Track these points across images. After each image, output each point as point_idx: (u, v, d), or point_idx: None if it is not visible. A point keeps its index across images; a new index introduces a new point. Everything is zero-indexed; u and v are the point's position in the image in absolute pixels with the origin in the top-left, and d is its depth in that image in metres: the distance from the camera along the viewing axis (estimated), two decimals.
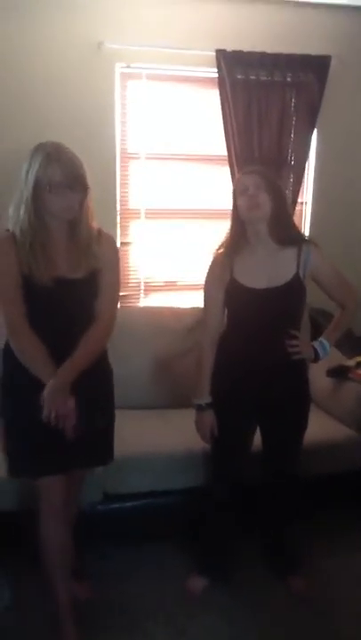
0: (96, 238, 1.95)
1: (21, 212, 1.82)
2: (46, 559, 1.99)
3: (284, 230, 2.09)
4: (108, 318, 2.02)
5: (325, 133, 3.44)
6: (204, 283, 2.23)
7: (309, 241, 2.15)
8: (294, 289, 2.09)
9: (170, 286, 3.51)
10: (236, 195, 2.10)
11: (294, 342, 2.11)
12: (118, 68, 3.12)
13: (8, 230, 1.87)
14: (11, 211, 1.86)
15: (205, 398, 2.20)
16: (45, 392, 1.84)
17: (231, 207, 2.14)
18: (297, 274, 2.08)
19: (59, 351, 1.88)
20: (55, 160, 1.79)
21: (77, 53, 3.02)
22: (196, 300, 3.37)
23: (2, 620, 2.16)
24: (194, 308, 3.26)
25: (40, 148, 1.83)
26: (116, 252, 2.06)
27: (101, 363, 2.03)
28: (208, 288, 2.21)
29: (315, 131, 3.37)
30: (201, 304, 3.23)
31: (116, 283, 2.04)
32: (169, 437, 2.62)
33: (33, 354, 1.87)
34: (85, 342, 1.93)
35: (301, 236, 2.16)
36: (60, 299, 1.88)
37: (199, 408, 2.22)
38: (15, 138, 2.73)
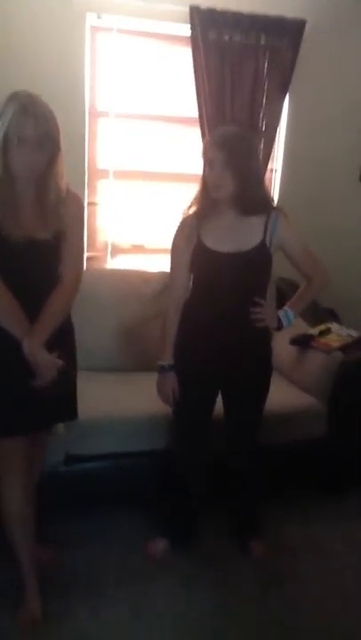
0: (63, 199, 1.89)
1: None
2: (8, 519, 1.99)
3: (248, 203, 2.06)
4: (73, 279, 1.99)
5: (297, 99, 3.41)
6: (171, 245, 2.21)
7: (278, 209, 2.13)
8: (259, 255, 2.09)
9: (137, 249, 3.48)
10: (204, 162, 2.06)
11: (258, 309, 2.11)
12: (88, 19, 3.01)
13: None
14: None
15: (168, 360, 2.21)
16: (27, 350, 1.82)
17: (202, 170, 2.10)
18: (263, 241, 2.07)
19: (26, 308, 1.84)
20: (31, 113, 1.72)
21: (46, 1, 2.89)
22: (163, 264, 3.36)
23: None
24: (161, 272, 3.24)
25: (14, 97, 1.74)
26: (82, 212, 2.01)
27: (63, 322, 1.99)
28: (175, 250, 2.19)
29: (287, 96, 3.34)
30: (167, 268, 3.27)
31: (80, 243, 2.02)
32: (133, 400, 2.63)
33: (8, 308, 1.82)
34: (52, 302, 1.91)
35: (270, 203, 2.13)
36: (29, 259, 1.83)
37: (162, 369, 2.23)
38: None
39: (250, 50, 3.19)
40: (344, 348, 2.82)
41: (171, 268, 2.23)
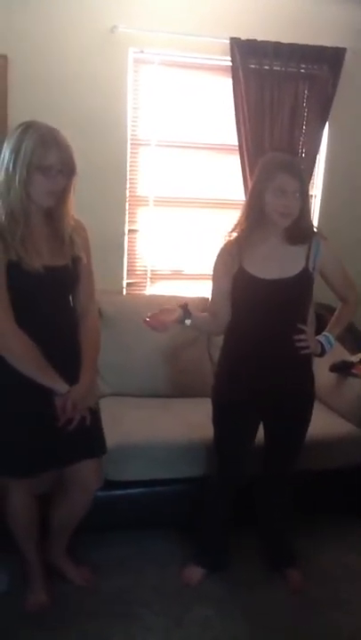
0: (73, 226, 1.95)
1: (11, 194, 1.77)
2: (14, 523, 2.06)
3: (299, 231, 2.06)
4: (95, 308, 2.08)
5: (337, 127, 3.41)
6: (212, 271, 2.20)
7: (319, 234, 2.12)
8: (302, 282, 2.08)
9: (176, 275, 3.51)
10: (267, 188, 1.99)
11: (302, 337, 2.09)
12: (131, 54, 3.10)
13: None
14: None
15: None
16: (74, 398, 1.88)
17: (253, 195, 2.05)
18: (306, 267, 2.07)
19: (44, 342, 1.86)
20: (52, 142, 1.76)
21: (91, 37, 3.00)
22: (202, 289, 3.38)
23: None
24: (200, 297, 3.26)
25: (30, 127, 1.77)
26: (87, 239, 2.03)
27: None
28: (216, 275, 2.18)
29: (326, 124, 3.35)
30: (207, 294, 3.28)
31: (91, 270, 2.04)
32: (171, 426, 2.63)
33: (25, 355, 1.82)
34: (91, 338, 2.00)
35: (312, 230, 2.12)
36: (48, 286, 1.87)
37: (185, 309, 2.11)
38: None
39: (290, 78, 3.22)
40: None
41: (212, 293, 2.22)
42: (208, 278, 3.44)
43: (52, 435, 1.91)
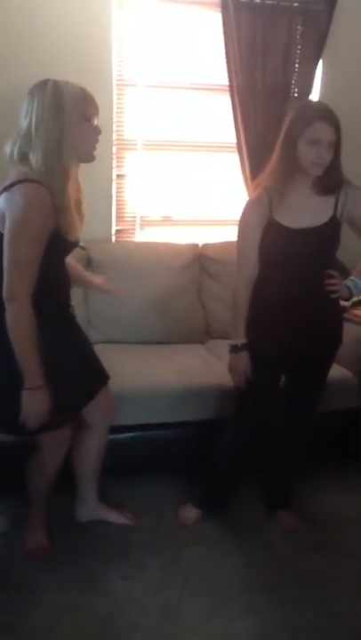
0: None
1: (62, 156, 1.71)
2: (51, 469, 2.12)
3: (330, 182, 2.02)
4: None
5: (331, 64, 3.30)
6: (240, 223, 2.14)
7: (348, 182, 2.07)
8: (331, 229, 2.06)
9: (166, 221, 3.45)
10: (302, 136, 1.93)
11: (333, 281, 2.09)
12: None
13: (33, 181, 1.69)
14: (38, 158, 1.71)
15: (242, 339, 2.17)
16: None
17: (285, 143, 1.99)
18: (334, 215, 2.05)
19: (66, 304, 2.00)
20: (86, 91, 1.76)
21: None
22: (192, 235, 3.34)
23: None
24: (190, 244, 3.23)
25: (57, 82, 1.73)
26: None
27: None
28: (247, 228, 2.12)
29: (320, 61, 3.24)
30: (198, 240, 3.24)
31: None
32: (164, 372, 2.64)
33: (26, 332, 1.76)
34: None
35: (342, 179, 2.07)
36: (70, 252, 1.95)
37: (234, 349, 2.18)
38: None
39: (282, 12, 3.09)
40: None
41: (240, 246, 2.16)
42: (198, 224, 3.45)
43: (74, 377, 1.97)
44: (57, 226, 1.75)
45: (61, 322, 1.96)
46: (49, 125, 1.70)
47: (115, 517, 2.36)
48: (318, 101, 2.09)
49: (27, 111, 1.73)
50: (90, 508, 2.34)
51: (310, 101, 2.07)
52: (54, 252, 1.80)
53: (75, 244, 1.91)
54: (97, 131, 1.82)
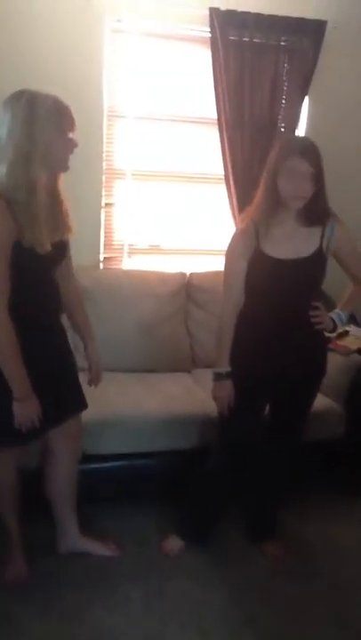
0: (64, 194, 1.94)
1: (31, 168, 1.70)
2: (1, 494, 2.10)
3: (314, 214, 2.06)
4: (76, 280, 2.15)
5: (317, 100, 3.39)
6: (227, 253, 2.19)
7: (334, 216, 2.12)
8: (317, 262, 2.10)
9: (154, 250, 3.48)
10: (280, 171, 1.99)
11: (317, 313, 2.12)
12: (108, 23, 3.02)
13: None
14: (3, 173, 1.70)
15: (226, 367, 2.19)
16: (96, 359, 2.14)
17: (267, 177, 2.04)
18: (320, 247, 2.08)
19: (45, 316, 1.93)
20: (62, 103, 1.76)
21: (66, 5, 2.91)
22: (179, 264, 3.37)
23: None
24: (178, 272, 3.25)
25: (32, 94, 1.72)
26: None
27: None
28: (233, 258, 2.17)
29: (306, 97, 3.32)
30: (186, 269, 3.27)
31: None
32: (150, 400, 2.64)
33: (7, 349, 1.78)
34: (83, 305, 2.15)
35: (328, 212, 2.12)
36: (49, 264, 1.87)
37: (219, 377, 2.20)
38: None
39: (270, 50, 3.18)
40: None
41: (226, 276, 2.20)
42: (185, 253, 3.48)
43: (46, 396, 1.93)
44: (25, 238, 1.73)
45: (36, 337, 1.88)
46: (18, 137, 1.69)
47: (96, 548, 2.33)
48: (300, 137, 2.16)
49: (1, 122, 1.72)
50: (70, 539, 2.30)
51: (292, 137, 2.15)
52: (23, 266, 1.77)
53: (54, 255, 1.85)
54: (71, 144, 1.80)
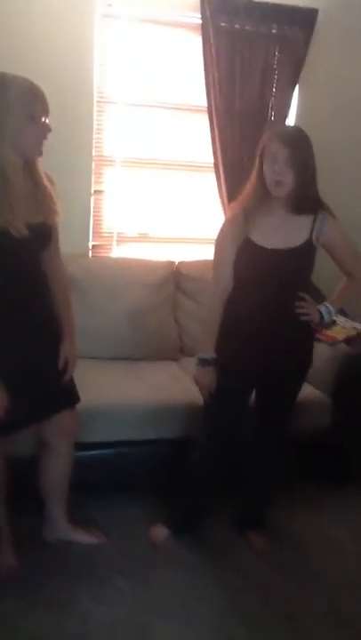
0: (49, 178, 1.91)
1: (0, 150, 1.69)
2: None
3: (301, 202, 2.06)
4: (65, 272, 2.10)
5: (307, 89, 3.38)
6: (216, 240, 2.20)
7: (326, 208, 2.12)
8: (305, 252, 2.10)
9: (143, 238, 3.47)
10: (264, 155, 2.02)
11: (303, 304, 2.12)
12: (99, 7, 2.98)
13: None
14: None
15: (211, 353, 2.20)
16: (69, 355, 2.02)
17: (256, 166, 2.07)
18: (309, 239, 2.08)
19: (26, 305, 1.88)
20: (36, 88, 1.72)
21: None
22: (168, 253, 3.36)
23: None
24: (166, 261, 3.24)
25: (5, 77, 1.69)
26: (57, 192, 1.98)
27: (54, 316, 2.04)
28: (221, 245, 2.18)
29: (297, 86, 3.31)
30: (174, 258, 3.26)
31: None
32: (136, 388, 2.64)
33: None
34: (66, 294, 2.07)
35: (319, 203, 2.12)
36: (31, 246, 1.83)
37: (203, 362, 2.21)
38: None
39: (261, 39, 3.16)
40: (349, 341, 2.82)
41: (215, 263, 2.21)
42: (174, 241, 3.47)
43: (30, 390, 1.93)
44: None
45: (9, 324, 1.86)
46: None
47: (83, 538, 2.33)
48: (287, 125, 2.15)
49: None
50: (58, 528, 2.31)
51: (278, 125, 2.16)
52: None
53: (36, 238, 1.82)
54: (43, 128, 1.76)
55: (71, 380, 2.11)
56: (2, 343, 1.86)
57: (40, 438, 2.18)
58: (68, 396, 2.11)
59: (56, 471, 2.21)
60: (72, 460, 2.22)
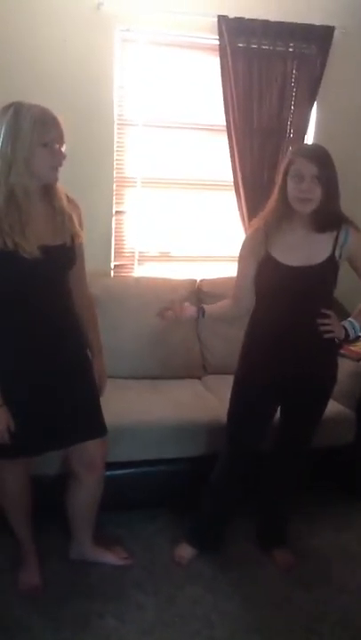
0: (67, 203, 1.93)
1: (12, 175, 1.73)
2: (8, 502, 2.10)
3: (326, 219, 2.05)
4: (88, 287, 2.11)
5: (326, 106, 3.39)
6: (238, 254, 2.22)
7: (350, 222, 2.10)
8: (328, 269, 2.09)
9: (164, 257, 3.49)
10: (287, 175, 2.02)
11: (327, 321, 2.10)
12: (118, 32, 3.05)
13: None
14: None
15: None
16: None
17: (279, 183, 2.07)
18: (332, 255, 2.07)
19: (45, 324, 1.89)
20: (49, 116, 1.76)
21: (76, 15, 2.94)
22: (189, 271, 3.37)
23: None
24: (188, 279, 3.25)
25: (21, 106, 1.74)
26: (81, 216, 2.01)
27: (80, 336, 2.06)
28: (242, 261, 2.20)
29: (315, 103, 3.33)
30: (194, 276, 3.27)
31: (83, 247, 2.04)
32: (159, 407, 2.64)
33: None
34: (93, 316, 2.10)
35: (342, 219, 2.10)
36: (46, 268, 1.84)
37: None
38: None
39: (278, 57, 3.19)
40: None
41: (237, 279, 2.24)
42: (196, 260, 3.48)
43: (51, 416, 1.94)
44: (7, 244, 1.74)
45: (24, 346, 1.87)
46: (4, 147, 1.72)
47: (108, 559, 2.32)
48: (311, 143, 2.16)
49: None
50: (84, 550, 2.31)
51: (304, 143, 2.17)
52: (7, 270, 1.79)
53: (54, 259, 1.85)
54: (57, 155, 1.79)
55: (97, 408, 2.07)
56: (17, 361, 1.88)
57: (67, 465, 2.18)
58: (92, 426, 2.06)
59: (83, 502, 2.20)
60: (100, 492, 2.19)
